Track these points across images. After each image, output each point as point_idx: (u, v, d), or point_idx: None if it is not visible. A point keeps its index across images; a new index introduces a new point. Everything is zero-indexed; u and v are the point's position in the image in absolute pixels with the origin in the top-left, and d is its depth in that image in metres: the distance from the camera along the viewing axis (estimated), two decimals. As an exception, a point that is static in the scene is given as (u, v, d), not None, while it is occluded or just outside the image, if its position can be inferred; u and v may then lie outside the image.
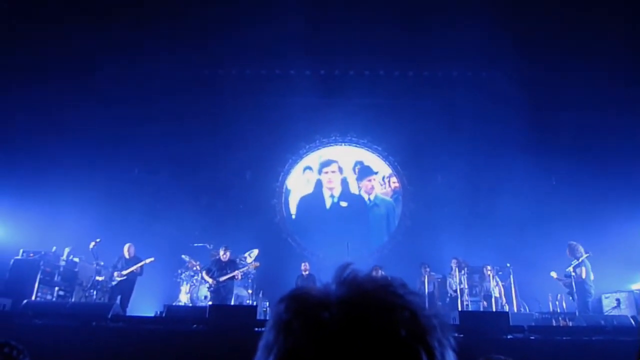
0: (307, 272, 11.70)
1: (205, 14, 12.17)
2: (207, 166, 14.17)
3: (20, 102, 11.67)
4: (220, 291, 10.34)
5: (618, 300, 10.79)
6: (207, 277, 10.50)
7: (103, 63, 12.48)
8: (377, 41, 12.70)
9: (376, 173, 15.55)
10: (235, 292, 11.05)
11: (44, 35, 11.69)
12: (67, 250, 11.11)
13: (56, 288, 10.54)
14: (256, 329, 7.22)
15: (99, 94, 12.59)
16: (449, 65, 13.95)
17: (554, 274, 10.27)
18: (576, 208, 12.14)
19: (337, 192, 15.40)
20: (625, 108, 11.78)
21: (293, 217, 15.29)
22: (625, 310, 10.18)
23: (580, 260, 9.84)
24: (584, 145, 12.37)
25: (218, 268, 10.51)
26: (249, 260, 11.84)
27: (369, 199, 15.38)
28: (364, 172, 15.58)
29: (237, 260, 11.20)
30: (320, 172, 15.60)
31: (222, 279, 10.32)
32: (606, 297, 10.97)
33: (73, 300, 10.63)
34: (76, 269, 11.15)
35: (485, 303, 11.13)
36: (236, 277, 10.51)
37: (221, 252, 10.68)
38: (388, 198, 15.39)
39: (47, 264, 10.29)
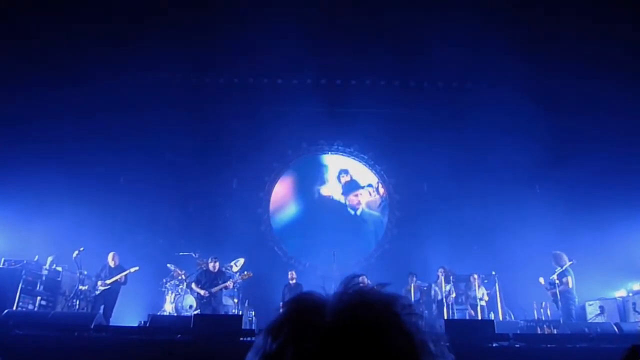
0: (294, 281, 11.60)
1: (193, 22, 12.17)
2: (193, 175, 14.10)
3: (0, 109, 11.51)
4: (211, 302, 10.23)
5: (602, 307, 10.90)
6: (197, 289, 10.35)
7: (94, 71, 12.34)
8: (364, 51, 12.78)
9: (363, 187, 15.45)
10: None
11: (27, 42, 11.59)
12: (49, 259, 10.94)
13: (38, 297, 10.37)
14: (241, 338, 7.17)
15: (84, 103, 12.44)
16: (434, 76, 14.09)
17: (541, 280, 10.32)
18: (560, 216, 12.23)
19: (318, 203, 15.31)
20: (610, 114, 11.96)
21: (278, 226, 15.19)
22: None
23: (564, 268, 9.92)
24: (565, 152, 12.48)
25: (208, 279, 10.40)
26: (234, 269, 11.75)
27: (355, 214, 15.30)
28: (350, 187, 15.45)
29: (224, 269, 11.11)
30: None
31: (214, 289, 10.22)
32: (590, 305, 11.08)
33: (55, 310, 10.46)
34: (59, 278, 10.98)
35: (472, 312, 11.19)
36: (228, 286, 10.43)
37: (210, 263, 10.58)
38: (375, 212, 15.29)
39: (29, 273, 10.11)
